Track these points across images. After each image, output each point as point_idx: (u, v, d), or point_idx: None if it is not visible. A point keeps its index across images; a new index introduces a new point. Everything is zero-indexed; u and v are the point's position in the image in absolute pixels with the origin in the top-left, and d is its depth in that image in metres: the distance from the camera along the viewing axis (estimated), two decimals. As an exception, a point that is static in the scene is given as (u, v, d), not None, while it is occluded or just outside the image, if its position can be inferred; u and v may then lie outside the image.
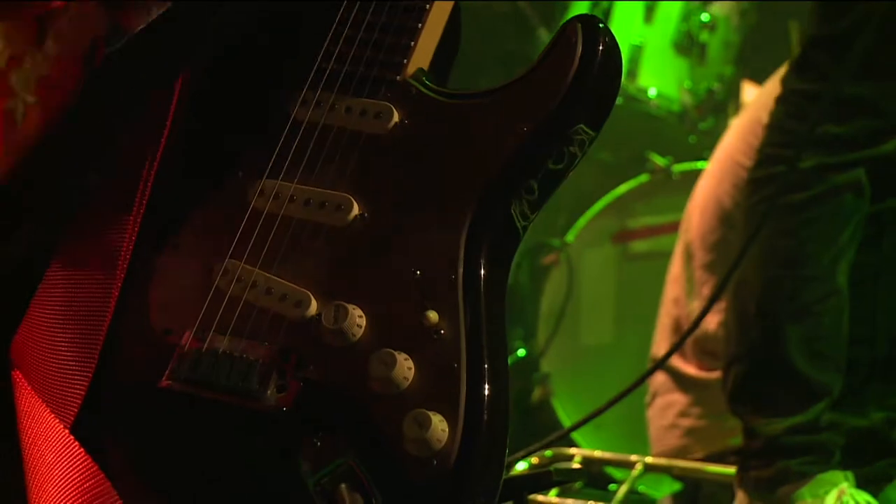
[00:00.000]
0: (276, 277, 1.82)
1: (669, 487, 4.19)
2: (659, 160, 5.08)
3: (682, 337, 3.69)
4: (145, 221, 1.85)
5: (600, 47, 1.88)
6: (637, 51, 5.45)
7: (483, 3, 6.44)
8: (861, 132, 2.98)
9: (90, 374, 1.78)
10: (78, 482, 1.69)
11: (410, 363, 1.73)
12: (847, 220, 3.01)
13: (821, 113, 2.96)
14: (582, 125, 1.88)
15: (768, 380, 3.03)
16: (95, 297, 1.82)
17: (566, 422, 4.83)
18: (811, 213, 3.00)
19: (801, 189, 2.99)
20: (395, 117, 1.90)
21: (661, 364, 3.92)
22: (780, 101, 3.11)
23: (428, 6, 1.95)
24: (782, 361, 2.99)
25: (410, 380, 1.73)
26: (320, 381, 1.76)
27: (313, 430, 1.72)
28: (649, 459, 4.06)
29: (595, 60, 1.87)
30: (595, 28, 1.89)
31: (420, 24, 1.94)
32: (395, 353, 1.73)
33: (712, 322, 3.98)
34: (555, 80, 1.86)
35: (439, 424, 1.69)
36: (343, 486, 1.66)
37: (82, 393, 1.77)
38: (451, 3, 2.02)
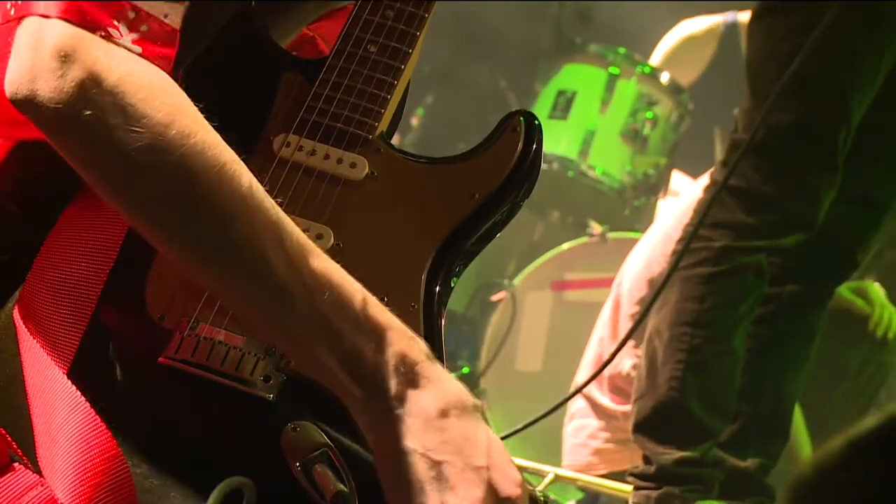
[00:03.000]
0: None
1: (574, 495, 4.17)
2: (597, 226, 5.09)
3: (599, 369, 3.71)
4: None
5: (534, 145, 1.90)
6: (591, 135, 5.47)
7: (471, 81, 6.44)
8: (766, 225, 2.97)
9: (81, 333, 1.71)
10: (84, 432, 1.64)
11: None
12: (747, 295, 3.02)
13: (737, 204, 2.96)
14: (518, 195, 1.89)
15: (667, 417, 3.03)
16: (90, 269, 1.75)
17: (496, 432, 4.79)
18: (717, 285, 3.01)
19: (711, 264, 2.99)
20: (367, 168, 1.88)
21: (580, 390, 3.92)
22: (706, 189, 3.11)
23: (396, 82, 1.93)
24: (680, 404, 2.98)
25: None
26: (301, 375, 1.71)
27: (295, 417, 1.67)
28: (559, 471, 4.04)
29: (530, 151, 1.89)
30: (532, 124, 1.92)
31: (389, 96, 1.93)
32: None
33: (626, 365, 3.99)
34: (501, 162, 1.89)
35: None
36: (319, 467, 1.61)
37: (73, 350, 1.70)
38: (409, 77, 2.01)
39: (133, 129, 1.56)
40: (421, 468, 1.55)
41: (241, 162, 1.62)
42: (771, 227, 2.98)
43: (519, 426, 3.31)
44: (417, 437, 1.56)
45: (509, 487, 1.58)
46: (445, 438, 1.57)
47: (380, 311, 1.61)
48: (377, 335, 1.59)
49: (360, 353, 1.58)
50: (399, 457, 1.56)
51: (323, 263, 1.60)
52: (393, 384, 1.58)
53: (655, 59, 5.81)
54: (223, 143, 1.61)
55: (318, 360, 1.59)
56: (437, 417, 1.58)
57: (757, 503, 3.13)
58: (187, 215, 1.58)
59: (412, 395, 1.58)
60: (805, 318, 3.26)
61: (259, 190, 1.61)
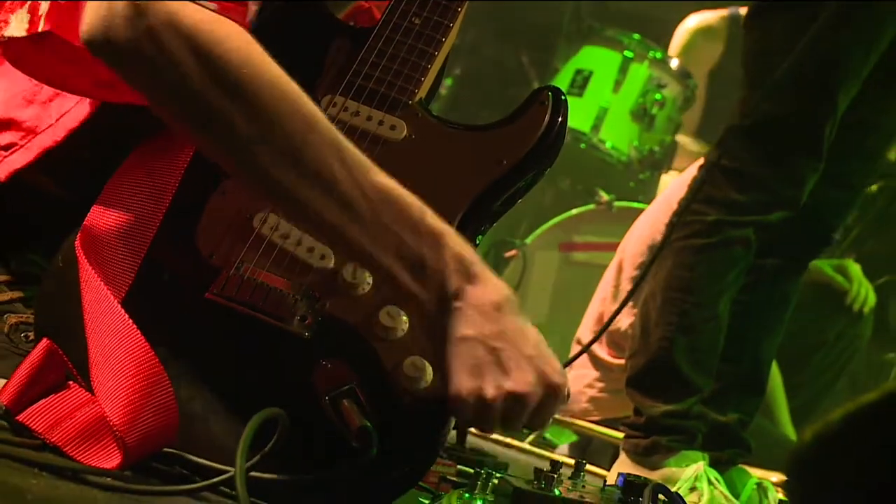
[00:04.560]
0: (305, 233, 1.77)
1: (568, 438, 4.17)
2: (605, 195, 5.07)
3: (603, 328, 3.71)
4: (193, 164, 1.78)
5: (559, 119, 1.89)
6: (603, 111, 5.45)
7: (496, 58, 6.41)
8: (755, 202, 2.96)
9: (136, 267, 1.71)
10: (133, 357, 1.63)
11: (406, 318, 1.72)
12: (734, 265, 3.01)
13: (728, 183, 2.95)
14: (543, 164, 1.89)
15: (657, 373, 3.02)
16: (147, 209, 1.75)
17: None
18: (707, 255, 3.00)
19: (703, 236, 2.98)
20: (405, 131, 1.88)
21: (586, 349, 3.92)
22: (702, 168, 3.10)
23: (437, 53, 1.93)
24: (669, 362, 2.98)
25: (406, 331, 1.71)
26: (335, 318, 1.72)
27: (326, 355, 1.67)
28: (557, 415, 4.03)
29: (556, 124, 1.89)
30: (560, 100, 1.91)
31: (429, 66, 1.92)
32: (399, 309, 1.71)
33: (625, 323, 3.98)
34: (529, 132, 1.88)
35: (429, 370, 1.68)
36: (346, 402, 1.61)
37: (128, 283, 1.70)
38: (448, 51, 2.01)
39: (208, 69, 1.56)
40: (480, 352, 1.59)
41: (304, 92, 1.62)
42: (759, 205, 2.97)
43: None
44: (477, 325, 1.60)
45: (554, 375, 1.62)
46: (501, 328, 1.61)
47: (435, 219, 1.64)
48: (436, 239, 1.62)
49: (421, 256, 1.61)
50: (460, 343, 1.59)
51: (381, 178, 1.62)
52: (453, 281, 1.61)
53: (671, 51, 5.78)
54: (288, 78, 1.62)
55: (383, 264, 1.61)
56: (492, 310, 1.61)
57: (734, 454, 3.13)
58: (262, 142, 1.59)
59: (470, 290, 1.61)
60: (782, 288, 3.27)
61: (321, 117, 1.62)
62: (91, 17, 1.60)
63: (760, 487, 3.01)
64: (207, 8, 1.62)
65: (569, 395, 1.67)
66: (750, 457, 3.16)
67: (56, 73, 1.81)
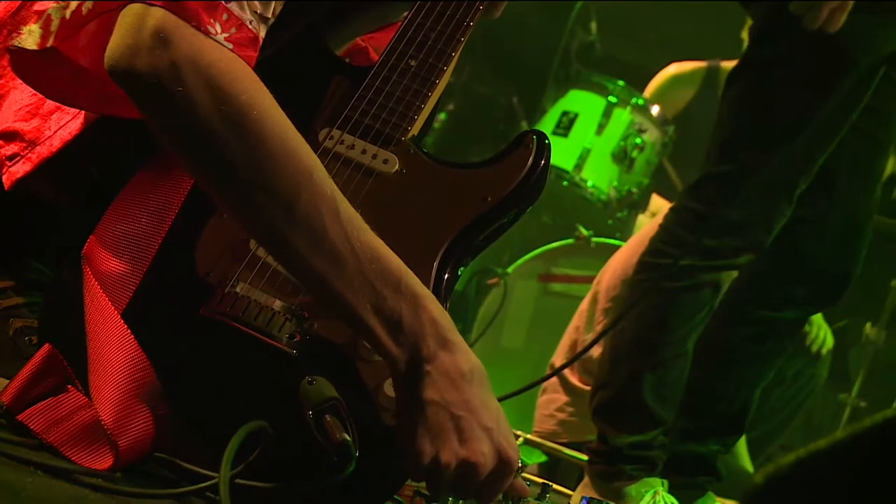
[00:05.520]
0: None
1: (538, 458, 4.17)
2: (584, 231, 5.07)
3: (576, 356, 3.73)
4: (197, 185, 1.78)
5: (542, 161, 1.89)
6: (586, 152, 5.46)
7: (488, 97, 6.43)
8: (725, 247, 2.96)
9: (137, 281, 1.71)
10: (130, 366, 1.63)
11: None
12: (702, 307, 3.01)
13: (701, 227, 2.95)
14: (525, 202, 1.89)
15: (624, 406, 3.02)
16: (150, 226, 1.75)
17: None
18: (677, 298, 2.99)
19: (675, 280, 2.98)
20: (398, 165, 1.87)
21: (557, 372, 3.94)
22: (674, 210, 3.09)
23: (430, 94, 1.93)
24: (637, 396, 2.98)
25: None
26: (322, 338, 1.72)
27: (313, 370, 1.66)
28: (529, 436, 4.04)
29: (539, 166, 1.89)
30: (543, 143, 1.91)
31: (423, 105, 1.92)
32: None
33: (596, 352, 3.97)
34: (513, 172, 1.88)
35: None
36: (328, 416, 1.60)
37: (129, 296, 1.69)
38: (441, 91, 2.00)
39: (219, 107, 1.55)
40: (443, 418, 1.57)
41: (307, 143, 1.62)
42: (729, 250, 2.97)
43: (504, 395, 3.32)
44: (443, 391, 1.58)
45: (509, 450, 1.60)
46: (466, 398, 1.59)
47: (416, 282, 1.62)
48: (415, 301, 1.60)
49: (399, 316, 1.59)
50: (424, 406, 1.57)
51: (370, 236, 1.61)
52: (428, 344, 1.59)
53: (647, 91, 5.82)
54: (292, 125, 1.61)
55: (362, 319, 1.59)
56: (460, 379, 1.59)
57: (706, 481, 3.14)
58: (259, 186, 1.57)
59: (442, 356, 1.59)
60: (791, 341, 3.28)
61: (320, 167, 1.61)
62: (117, 43, 1.60)
63: None
64: (225, 47, 1.61)
65: (520, 470, 1.66)
66: (719, 485, 3.17)
67: (59, 88, 1.81)
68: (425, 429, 1.57)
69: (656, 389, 2.98)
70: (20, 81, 1.84)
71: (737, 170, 2.94)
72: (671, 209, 3.13)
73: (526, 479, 1.72)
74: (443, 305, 1.74)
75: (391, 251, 1.62)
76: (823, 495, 1.00)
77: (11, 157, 1.85)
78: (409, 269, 1.62)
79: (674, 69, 6.03)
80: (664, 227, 3.08)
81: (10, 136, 1.86)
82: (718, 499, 3.25)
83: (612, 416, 3.03)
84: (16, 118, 1.87)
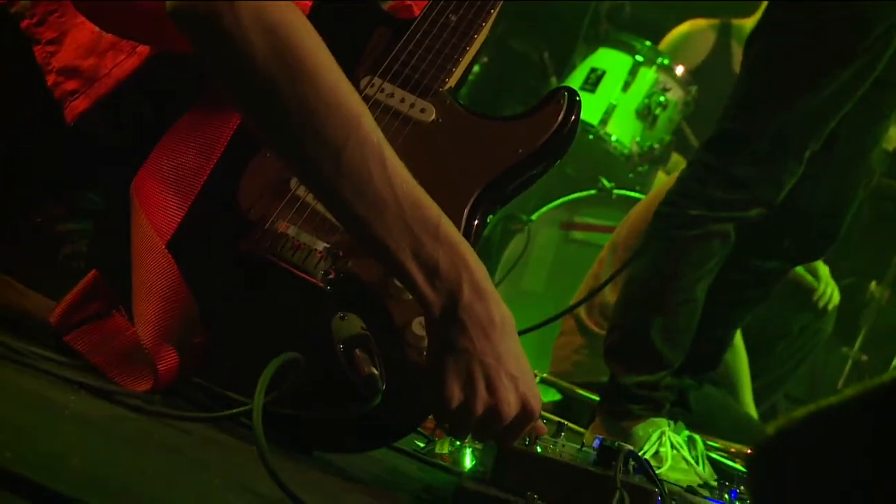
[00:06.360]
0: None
1: (553, 397, 4.17)
2: (606, 183, 5.07)
3: (590, 295, 3.73)
4: (242, 126, 1.77)
5: (572, 117, 1.87)
6: (612, 108, 5.44)
7: (520, 52, 6.39)
8: (737, 200, 2.95)
9: (182, 214, 1.71)
10: (171, 293, 1.63)
11: None
12: (712, 256, 3.01)
13: (713, 181, 2.94)
14: (554, 156, 1.87)
15: (634, 348, 3.03)
16: (197, 162, 1.74)
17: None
18: (689, 246, 2.99)
19: (685, 228, 2.97)
20: (434, 115, 1.86)
21: (571, 310, 3.95)
22: (690, 164, 3.10)
23: (469, 48, 1.91)
24: (646, 338, 2.98)
25: None
26: (355, 275, 1.71)
27: (345, 307, 1.66)
28: (545, 375, 4.04)
29: (569, 122, 1.86)
30: (574, 101, 1.88)
31: (461, 59, 1.90)
32: None
33: (612, 297, 3.98)
34: (544, 127, 1.85)
35: None
36: (358, 350, 1.60)
37: (174, 228, 1.69)
38: (479, 46, 1.98)
39: (275, 52, 1.53)
40: (473, 366, 1.56)
41: (356, 91, 1.59)
42: (740, 203, 2.96)
43: (523, 329, 3.32)
44: (474, 340, 1.56)
45: (533, 399, 1.60)
46: (496, 348, 1.57)
47: (454, 231, 1.60)
48: (452, 249, 1.58)
49: (436, 262, 1.57)
50: (456, 353, 1.56)
51: (412, 184, 1.58)
52: (463, 292, 1.57)
53: (661, 47, 5.80)
54: (343, 74, 1.58)
55: (401, 263, 1.57)
56: (491, 328, 1.57)
57: (679, 413, 3.15)
58: (309, 131, 1.55)
59: (476, 305, 1.57)
60: (772, 289, 3.29)
61: (368, 115, 1.58)
62: None
63: (691, 440, 3.02)
64: None
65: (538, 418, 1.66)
66: (690, 416, 3.17)
67: (116, 22, 1.80)
68: (455, 375, 1.56)
69: (665, 333, 2.98)
70: (80, 20, 1.83)
71: (749, 127, 2.94)
72: (688, 162, 3.13)
73: (542, 417, 1.71)
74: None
75: (431, 199, 1.59)
76: (832, 449, 1.00)
77: (72, 93, 1.85)
78: (447, 218, 1.60)
79: (687, 26, 6.01)
80: (679, 179, 3.08)
81: (70, 72, 1.86)
82: (721, 441, 3.25)
83: (622, 357, 3.04)
84: (76, 56, 1.86)
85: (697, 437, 3.04)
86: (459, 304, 1.56)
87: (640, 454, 2.86)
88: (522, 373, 1.59)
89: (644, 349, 3.00)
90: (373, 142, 1.56)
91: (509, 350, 1.59)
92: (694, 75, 5.66)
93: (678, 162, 5.63)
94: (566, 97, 1.88)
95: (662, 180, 5.34)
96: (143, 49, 1.83)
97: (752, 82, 3.02)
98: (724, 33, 5.89)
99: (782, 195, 2.96)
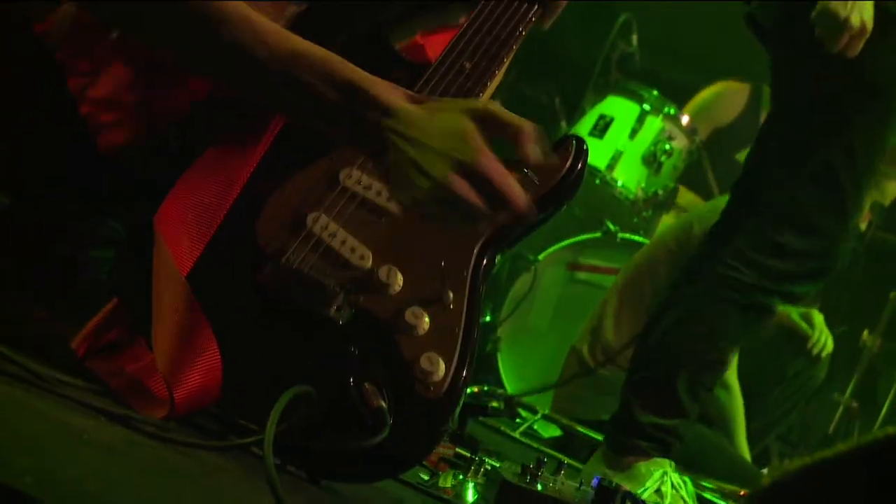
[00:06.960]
0: (350, 234, 1.76)
1: (554, 432, 4.16)
2: (611, 226, 5.06)
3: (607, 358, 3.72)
4: (263, 163, 1.77)
5: (579, 164, 1.88)
6: (619, 154, 5.44)
7: (532, 97, 6.41)
8: (788, 273, 2.93)
9: (202, 247, 1.71)
10: (187, 317, 1.63)
11: (428, 319, 1.71)
12: (754, 327, 2.98)
13: (771, 250, 2.92)
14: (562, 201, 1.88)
15: (658, 391, 2.98)
16: (218, 196, 1.75)
17: (503, 369, 4.86)
18: (737, 312, 2.95)
19: (738, 293, 2.93)
20: None
21: (593, 371, 3.95)
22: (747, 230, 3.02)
23: (481, 94, 1.90)
24: (670, 388, 2.94)
25: (427, 330, 1.71)
26: (367, 311, 1.72)
27: (355, 342, 1.67)
28: (545, 412, 4.04)
29: (576, 169, 1.88)
30: (582, 148, 1.90)
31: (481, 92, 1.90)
32: (422, 310, 1.71)
33: (613, 335, 3.99)
34: (553, 172, 1.87)
35: (442, 365, 1.67)
36: (368, 384, 1.61)
37: (193, 260, 1.69)
38: (492, 92, 1.99)
39: None
40: (408, 170, 1.55)
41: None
42: (791, 276, 2.94)
43: (539, 387, 3.46)
44: (402, 150, 1.56)
45: (470, 154, 1.56)
46: (421, 144, 1.56)
47: (345, 67, 1.59)
48: (347, 86, 1.58)
49: (334, 103, 1.57)
50: (393, 169, 1.57)
51: (294, 42, 1.59)
52: (369, 121, 1.57)
53: (692, 103, 5.81)
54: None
55: (303, 116, 1.61)
56: (410, 131, 1.56)
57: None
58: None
59: (388, 123, 1.57)
60: (765, 322, 3.23)
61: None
62: None
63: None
64: None
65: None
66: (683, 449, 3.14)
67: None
68: (401, 186, 1.57)
69: (690, 386, 2.95)
70: (119, 55, 1.84)
71: (800, 205, 2.90)
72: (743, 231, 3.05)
73: (543, 454, 1.71)
74: (479, 290, 1.74)
75: (319, 47, 1.59)
76: (826, 502, 0.99)
77: (109, 124, 1.85)
78: (340, 59, 1.60)
79: (721, 86, 6.02)
80: (739, 249, 2.98)
81: (107, 104, 1.87)
82: (716, 482, 3.23)
83: (643, 395, 2.99)
84: (115, 90, 1.87)
85: (687, 478, 3.02)
86: (375, 129, 1.56)
87: (641, 491, 2.86)
88: (443, 139, 1.56)
89: (667, 395, 2.96)
90: (242, 18, 1.57)
91: (425, 133, 1.56)
92: (721, 134, 5.67)
93: (690, 201, 5.66)
94: (574, 145, 1.89)
95: (667, 223, 5.34)
96: (184, 89, 1.84)
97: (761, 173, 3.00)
98: (756, 98, 5.91)
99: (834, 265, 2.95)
